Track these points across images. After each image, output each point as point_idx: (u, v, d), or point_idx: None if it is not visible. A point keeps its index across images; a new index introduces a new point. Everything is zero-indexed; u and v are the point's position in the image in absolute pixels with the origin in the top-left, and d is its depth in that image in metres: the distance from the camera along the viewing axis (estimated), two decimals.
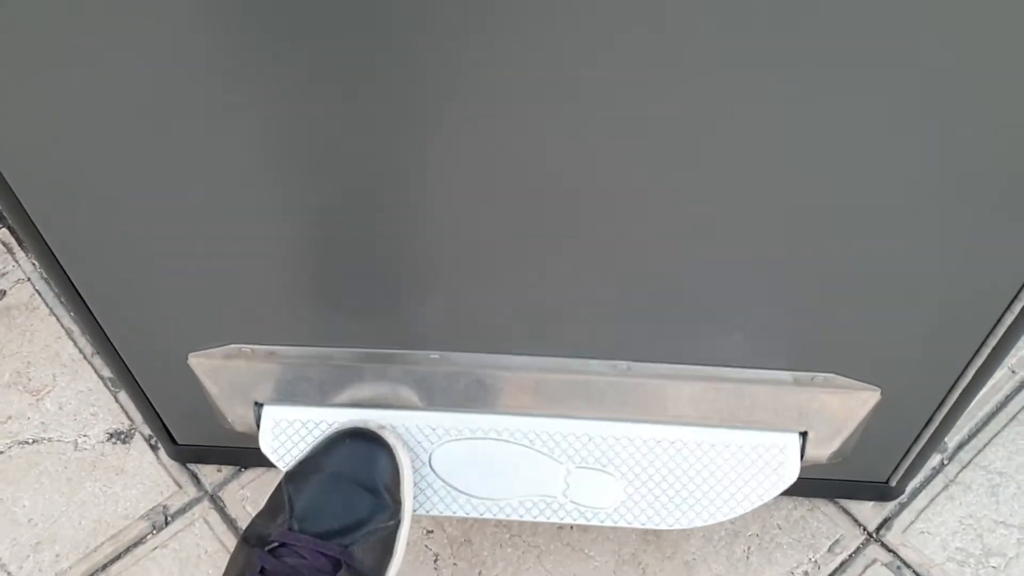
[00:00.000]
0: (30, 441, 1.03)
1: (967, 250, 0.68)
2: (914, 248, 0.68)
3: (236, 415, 0.88)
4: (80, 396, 1.06)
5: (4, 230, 1.21)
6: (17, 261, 1.17)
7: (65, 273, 0.76)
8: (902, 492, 0.99)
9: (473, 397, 0.84)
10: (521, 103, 0.59)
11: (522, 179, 0.65)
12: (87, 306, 0.80)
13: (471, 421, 0.85)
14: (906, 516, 0.99)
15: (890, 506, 1.00)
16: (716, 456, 0.84)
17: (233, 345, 0.81)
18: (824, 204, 0.65)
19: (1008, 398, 1.07)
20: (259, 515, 0.81)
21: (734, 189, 0.64)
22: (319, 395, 0.85)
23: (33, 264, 1.17)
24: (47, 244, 0.73)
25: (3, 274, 1.16)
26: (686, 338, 0.78)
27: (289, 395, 0.85)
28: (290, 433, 0.86)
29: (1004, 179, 0.62)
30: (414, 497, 0.85)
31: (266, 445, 0.86)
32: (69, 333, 1.11)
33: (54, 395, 1.06)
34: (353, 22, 0.55)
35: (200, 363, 0.83)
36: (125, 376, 0.88)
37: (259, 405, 0.86)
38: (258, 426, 0.87)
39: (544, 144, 0.62)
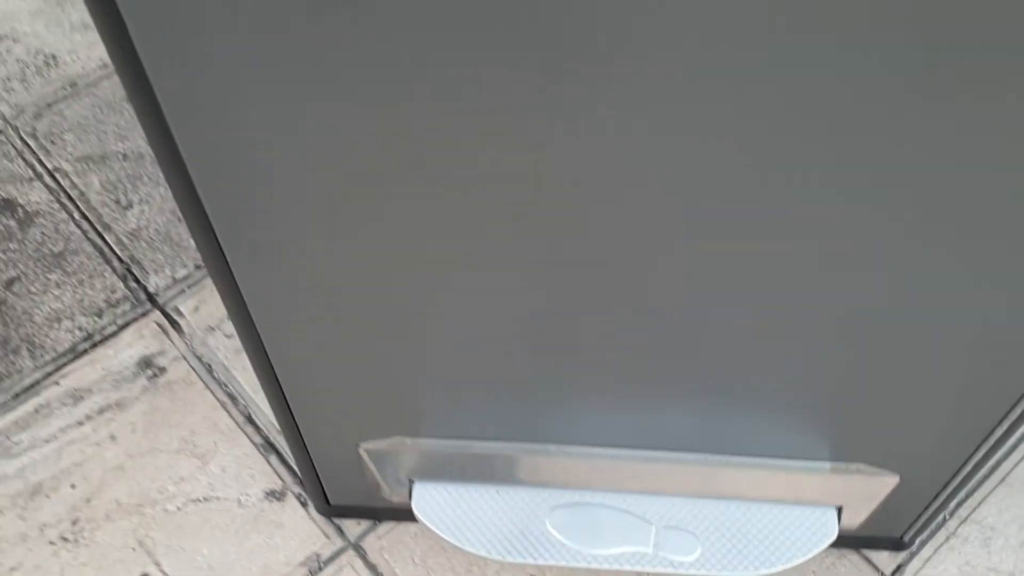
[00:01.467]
0: (201, 499, 1.25)
1: (986, 354, 0.84)
2: (940, 355, 0.85)
3: (391, 489, 1.11)
4: (238, 460, 1.29)
5: (157, 312, 1.43)
6: (171, 340, 1.39)
7: (270, 364, 0.96)
8: (912, 544, 1.23)
9: (582, 478, 1.07)
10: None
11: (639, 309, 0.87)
12: (284, 395, 1.01)
13: (581, 493, 1.09)
14: (915, 563, 1.23)
15: (902, 555, 1.23)
16: (775, 524, 1.07)
17: (397, 437, 1.04)
18: (891, 324, 0.86)
19: (998, 462, 1.31)
20: None
21: (810, 299, 0.79)
22: (460, 474, 1.08)
23: (186, 343, 1.39)
24: (257, 330, 0.88)
25: (161, 352, 1.38)
26: (762, 435, 1.01)
27: (437, 474, 1.08)
28: (437, 501, 1.09)
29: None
30: (536, 549, 1.09)
31: (418, 512, 1.09)
32: (223, 405, 1.33)
33: (216, 459, 1.29)
34: None
35: (368, 450, 1.06)
36: (301, 452, 1.10)
37: (412, 481, 1.09)
38: (410, 497, 1.10)
39: (641, 272, 0.85)
